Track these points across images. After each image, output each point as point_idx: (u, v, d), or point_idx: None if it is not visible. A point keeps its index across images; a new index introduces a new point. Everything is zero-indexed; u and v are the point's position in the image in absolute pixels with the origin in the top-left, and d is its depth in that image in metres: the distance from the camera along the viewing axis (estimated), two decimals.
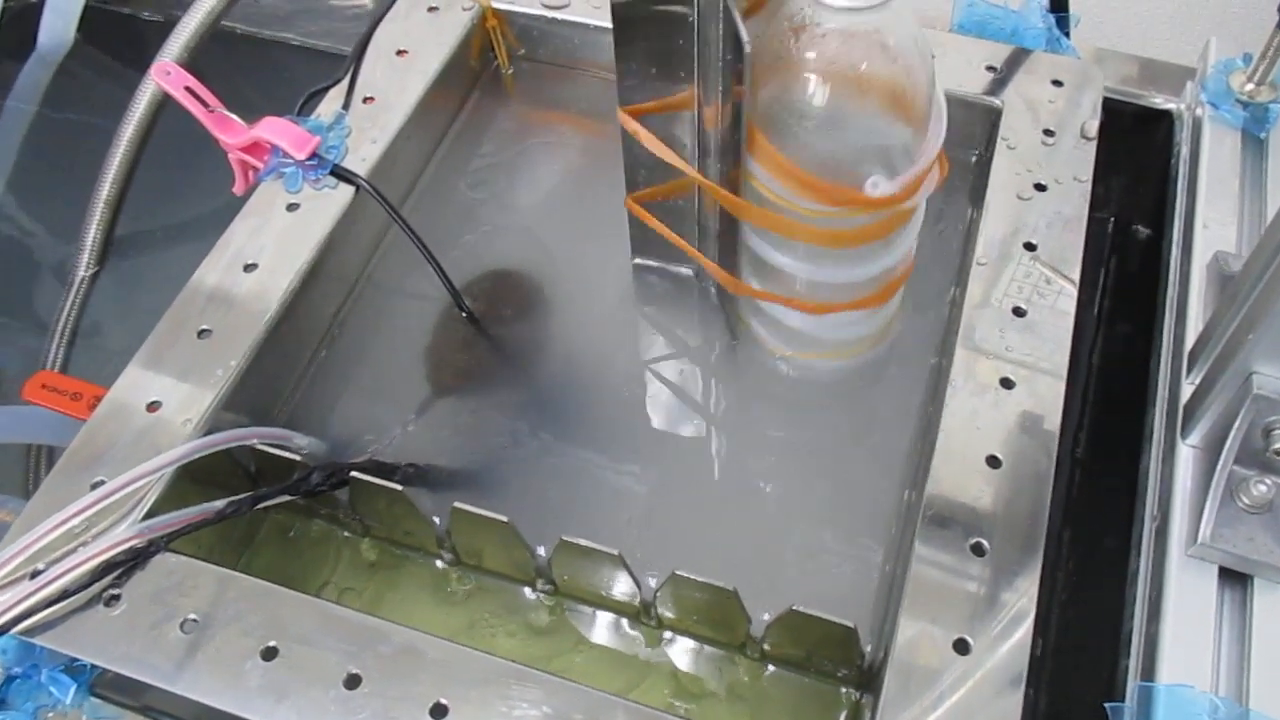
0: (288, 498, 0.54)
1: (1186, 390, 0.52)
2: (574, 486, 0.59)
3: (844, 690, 0.53)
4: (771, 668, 0.54)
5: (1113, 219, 0.74)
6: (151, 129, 0.75)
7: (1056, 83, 0.67)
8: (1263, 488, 0.47)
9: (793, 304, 0.57)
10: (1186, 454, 0.51)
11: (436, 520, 0.55)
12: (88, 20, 0.92)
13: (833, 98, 0.49)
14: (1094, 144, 0.64)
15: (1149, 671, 0.45)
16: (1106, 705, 0.45)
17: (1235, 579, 0.47)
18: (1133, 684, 0.45)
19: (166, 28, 0.73)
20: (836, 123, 0.50)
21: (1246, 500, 0.47)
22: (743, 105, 0.49)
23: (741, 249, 0.58)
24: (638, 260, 0.66)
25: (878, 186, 0.49)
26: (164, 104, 0.73)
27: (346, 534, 0.59)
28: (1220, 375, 0.47)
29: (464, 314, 0.65)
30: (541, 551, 0.54)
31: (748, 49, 0.47)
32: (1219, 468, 0.47)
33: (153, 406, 0.55)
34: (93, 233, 0.76)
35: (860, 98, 0.49)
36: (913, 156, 0.51)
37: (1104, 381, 0.66)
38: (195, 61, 0.72)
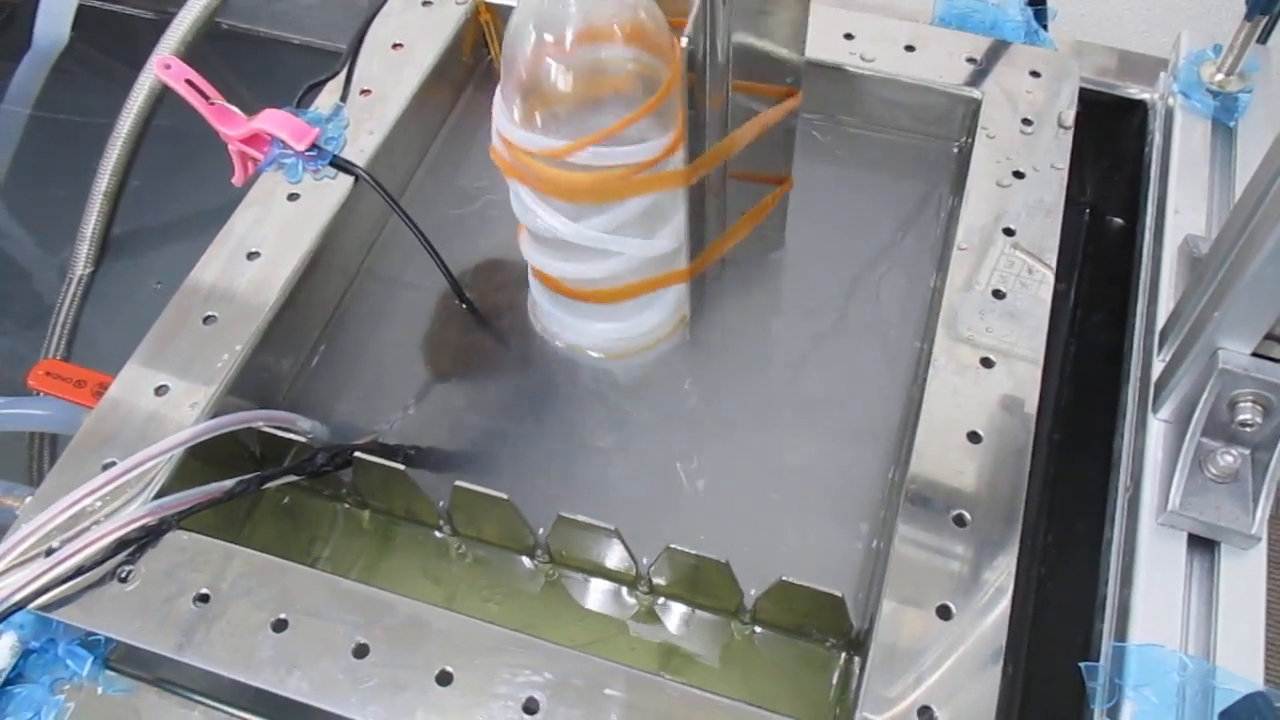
0: (294, 477, 0.56)
1: (1157, 367, 0.54)
2: (570, 466, 0.60)
3: (835, 652, 0.55)
4: (763, 630, 0.56)
5: (1089, 210, 0.77)
6: (149, 123, 0.76)
7: (1034, 74, 0.69)
8: (1229, 458, 0.49)
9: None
10: (1157, 428, 0.53)
11: (441, 504, 0.57)
12: (82, 18, 0.93)
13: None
14: (1071, 133, 0.66)
15: (1121, 633, 0.47)
16: (1081, 665, 0.47)
17: (1203, 545, 0.50)
18: (1106, 644, 0.47)
19: (160, 25, 0.75)
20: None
21: (1214, 470, 0.50)
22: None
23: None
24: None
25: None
26: (161, 99, 0.75)
27: (346, 506, 0.61)
28: (1189, 351, 0.50)
29: (462, 303, 0.67)
30: (541, 531, 0.56)
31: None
32: (1187, 440, 0.50)
33: (160, 391, 0.57)
34: (92, 225, 0.77)
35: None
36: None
37: (1079, 364, 0.68)
38: (189, 58, 0.73)
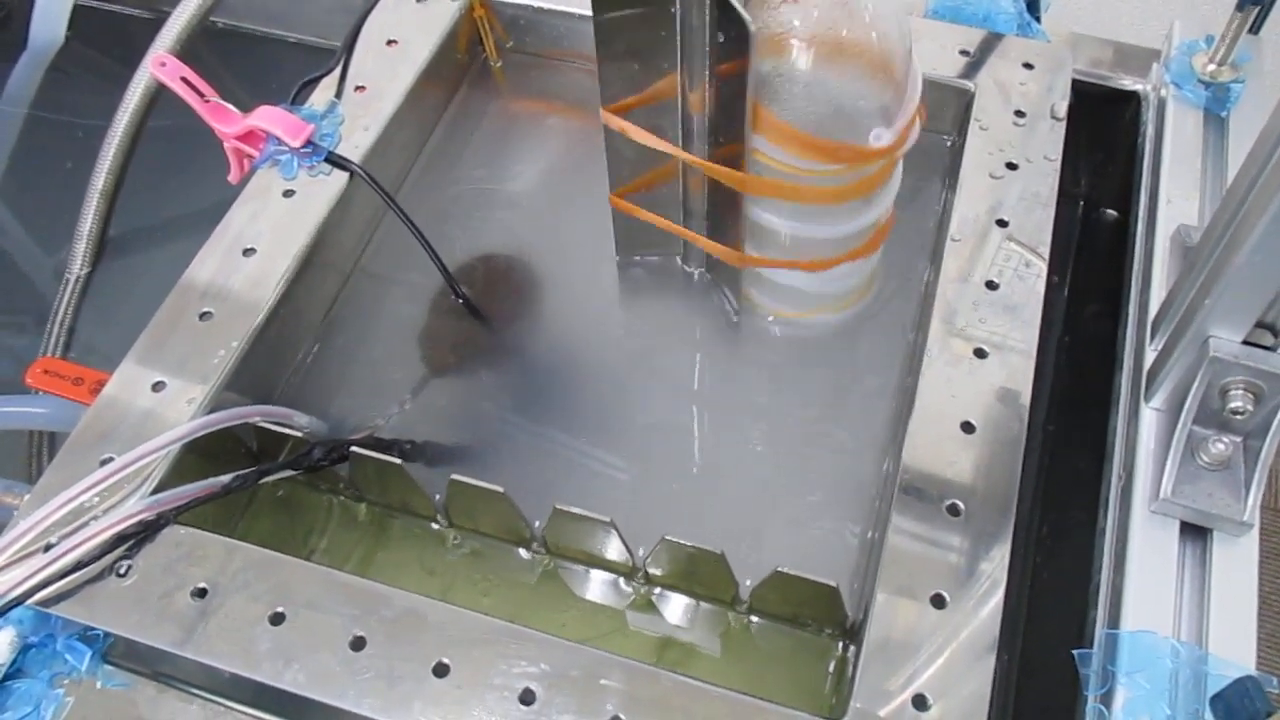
0: (291, 472, 0.56)
1: (1150, 356, 0.55)
2: (566, 459, 0.61)
3: (830, 641, 0.55)
4: (759, 620, 0.56)
5: (1083, 201, 0.77)
6: (145, 122, 0.76)
7: (1027, 65, 0.69)
8: (1220, 446, 0.49)
9: (795, 265, 0.60)
10: (1149, 416, 0.53)
11: (437, 497, 0.57)
12: (77, 18, 0.93)
13: (817, 64, 0.52)
14: (1063, 124, 0.66)
15: (1114, 620, 0.48)
16: (1074, 652, 0.47)
17: (1196, 533, 0.50)
18: (1099, 631, 0.48)
19: (156, 24, 0.75)
20: (821, 88, 0.53)
21: (1205, 458, 0.50)
22: (746, 82, 0.51)
23: (740, 221, 0.60)
24: (622, 257, 0.68)
25: (880, 138, 0.53)
26: (156, 97, 0.75)
27: (342, 499, 0.61)
28: (1180, 340, 0.50)
29: (458, 298, 0.67)
30: (537, 523, 0.56)
31: (752, 30, 0.48)
32: (1179, 428, 0.50)
33: (157, 387, 0.57)
34: (89, 224, 0.78)
35: (842, 62, 0.52)
36: (890, 115, 0.54)
37: (1073, 355, 0.69)
38: (185, 56, 0.73)
